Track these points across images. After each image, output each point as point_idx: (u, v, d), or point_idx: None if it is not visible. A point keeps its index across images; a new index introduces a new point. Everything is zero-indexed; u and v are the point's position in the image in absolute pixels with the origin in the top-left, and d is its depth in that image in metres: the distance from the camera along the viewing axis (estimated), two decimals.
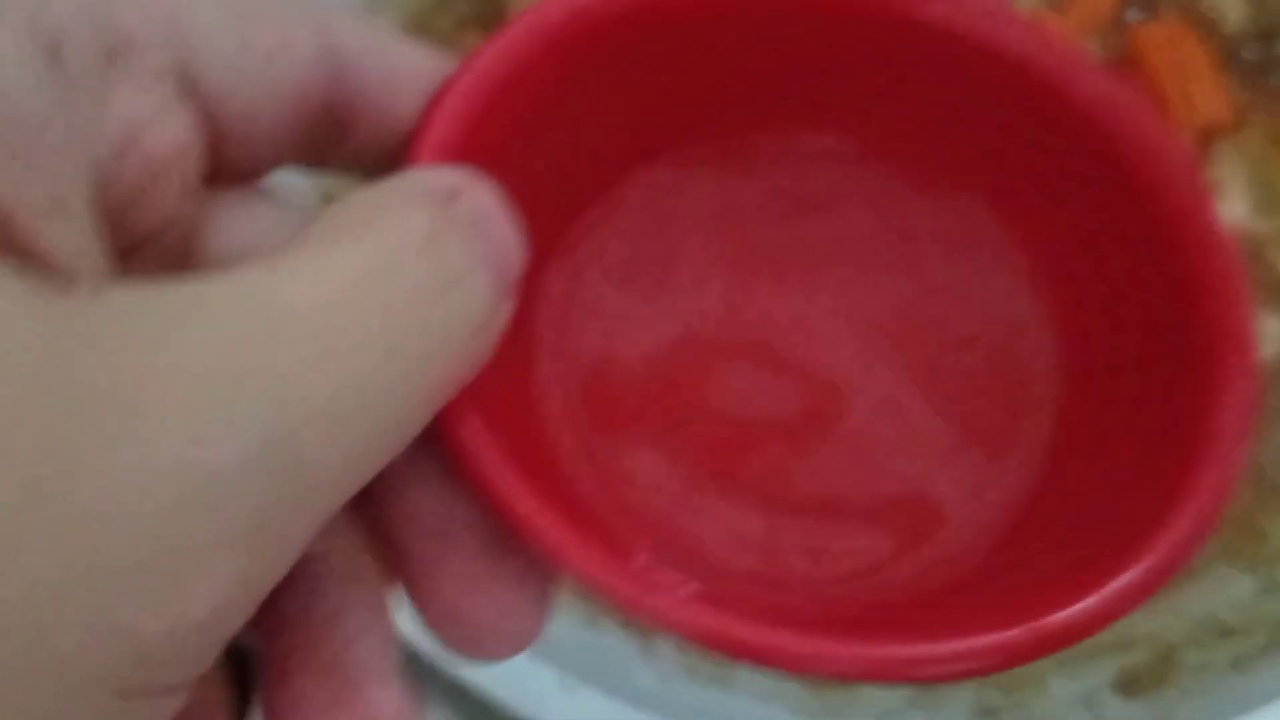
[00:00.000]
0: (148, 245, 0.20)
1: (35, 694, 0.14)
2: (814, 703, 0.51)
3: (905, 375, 0.25)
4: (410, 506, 0.21)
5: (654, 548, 0.23)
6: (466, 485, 0.20)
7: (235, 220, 0.21)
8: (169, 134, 0.19)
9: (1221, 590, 0.54)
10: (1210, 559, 0.55)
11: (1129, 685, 0.50)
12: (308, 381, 0.16)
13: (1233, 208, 0.62)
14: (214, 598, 0.15)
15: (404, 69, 0.22)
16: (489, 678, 0.45)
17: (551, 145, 0.23)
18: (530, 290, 0.22)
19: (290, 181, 0.23)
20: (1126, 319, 0.24)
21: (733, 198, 0.25)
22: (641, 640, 0.53)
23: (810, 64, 0.24)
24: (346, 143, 0.22)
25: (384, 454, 0.18)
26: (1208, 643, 0.51)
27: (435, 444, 0.20)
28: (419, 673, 0.54)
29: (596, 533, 0.21)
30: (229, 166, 0.21)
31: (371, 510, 0.21)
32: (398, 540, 0.21)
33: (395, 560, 0.21)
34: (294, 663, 0.20)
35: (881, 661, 0.20)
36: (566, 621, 0.52)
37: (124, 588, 0.15)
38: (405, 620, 0.21)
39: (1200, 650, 0.51)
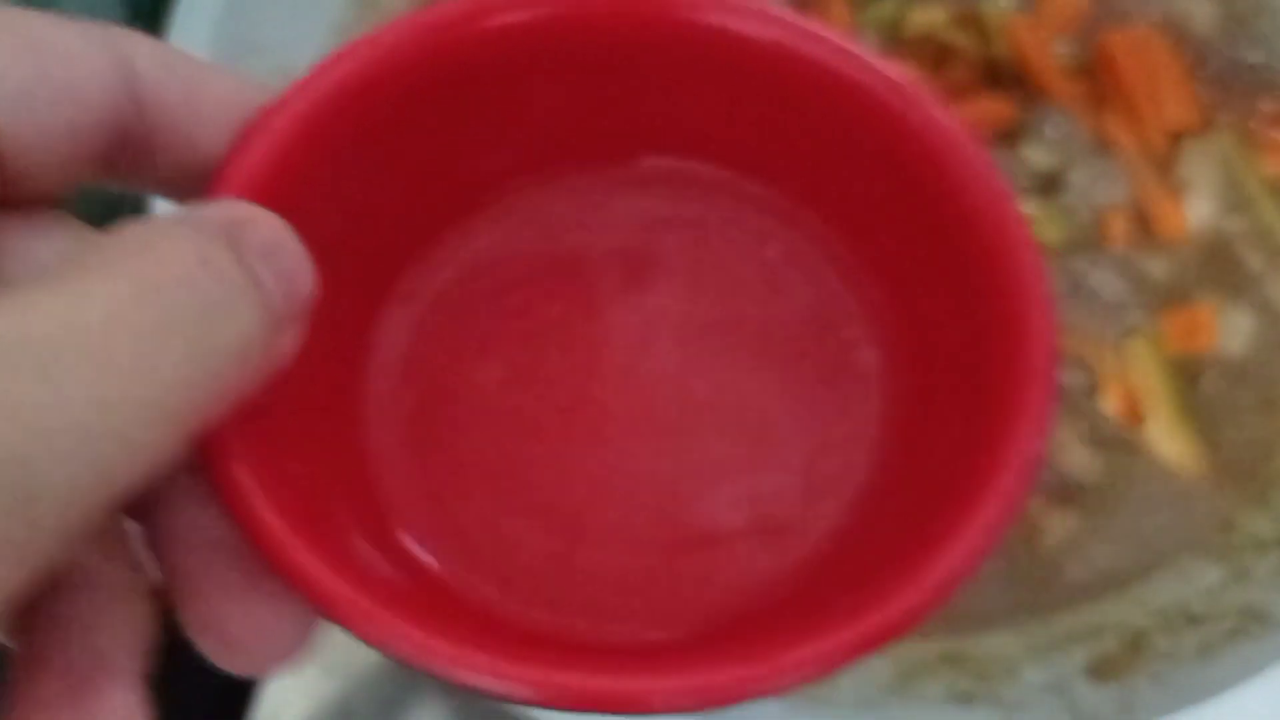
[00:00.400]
0: None
1: None
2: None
3: (737, 385, 0.25)
4: (178, 521, 0.22)
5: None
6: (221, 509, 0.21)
7: (23, 243, 0.22)
8: None
9: (1190, 579, 0.55)
10: (1179, 549, 0.56)
11: (1099, 672, 0.51)
12: (36, 406, 0.17)
13: (1201, 207, 0.63)
14: None
15: (209, 99, 0.22)
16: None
17: (377, 185, 0.24)
18: (362, 334, 0.23)
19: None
20: (943, 316, 0.25)
21: (564, 234, 0.25)
22: None
23: (631, 93, 0.24)
24: (149, 169, 0.23)
25: (132, 474, 0.18)
26: (1176, 630, 0.52)
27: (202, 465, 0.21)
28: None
29: (355, 576, 0.21)
30: (19, 191, 0.21)
31: (146, 521, 0.22)
32: (166, 552, 0.22)
33: (165, 571, 0.22)
34: (39, 663, 0.21)
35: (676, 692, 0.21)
36: None
37: None
38: None
39: (1169, 637, 0.52)
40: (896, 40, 0.66)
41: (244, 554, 0.21)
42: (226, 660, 0.22)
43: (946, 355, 0.24)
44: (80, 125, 0.21)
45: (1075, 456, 0.56)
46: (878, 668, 0.53)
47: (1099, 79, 0.65)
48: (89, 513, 0.18)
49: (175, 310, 0.18)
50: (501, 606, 0.23)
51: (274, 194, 0.21)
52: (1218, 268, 0.62)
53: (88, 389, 0.17)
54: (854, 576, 0.23)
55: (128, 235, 0.19)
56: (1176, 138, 0.64)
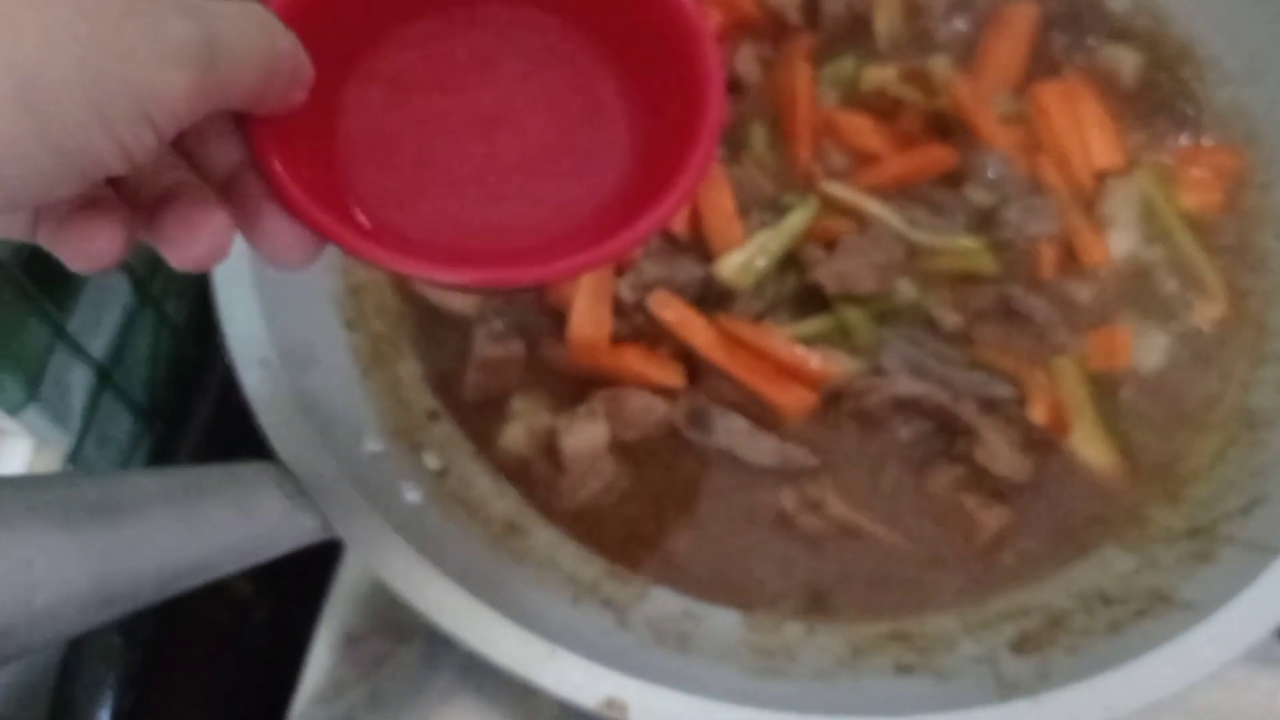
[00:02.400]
0: None
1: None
2: (758, 663, 0.59)
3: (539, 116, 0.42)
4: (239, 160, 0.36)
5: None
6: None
7: None
8: None
9: (1107, 567, 0.62)
10: (1099, 540, 0.63)
11: (1023, 645, 0.58)
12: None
13: (1123, 239, 0.70)
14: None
15: None
16: (494, 648, 0.53)
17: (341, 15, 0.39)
18: (337, 91, 0.40)
19: None
20: (656, 69, 0.40)
21: (457, 35, 0.42)
22: (617, 616, 0.61)
23: None
24: None
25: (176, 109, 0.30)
26: (1092, 610, 0.59)
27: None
28: (435, 642, 0.62)
29: (338, 214, 0.37)
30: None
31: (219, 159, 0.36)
32: (232, 178, 0.36)
33: (229, 194, 0.36)
34: (167, 200, 0.34)
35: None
36: (556, 601, 0.60)
37: None
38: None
39: (1085, 616, 0.59)
40: (853, 94, 0.73)
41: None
42: (275, 259, 0.36)
43: (661, 90, 0.40)
44: None
45: (1007, 459, 0.63)
46: (833, 644, 0.60)
47: (1033, 126, 0.72)
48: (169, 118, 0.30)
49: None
50: (430, 237, 0.40)
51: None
52: (1137, 293, 0.69)
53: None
54: (627, 209, 0.39)
55: None
56: (1102, 176, 0.71)
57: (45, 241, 0.34)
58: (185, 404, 0.84)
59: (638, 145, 0.41)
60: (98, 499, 0.49)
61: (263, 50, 0.33)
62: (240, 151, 0.36)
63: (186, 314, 0.80)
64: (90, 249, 0.33)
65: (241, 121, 0.36)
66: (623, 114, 0.42)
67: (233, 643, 0.78)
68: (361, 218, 0.39)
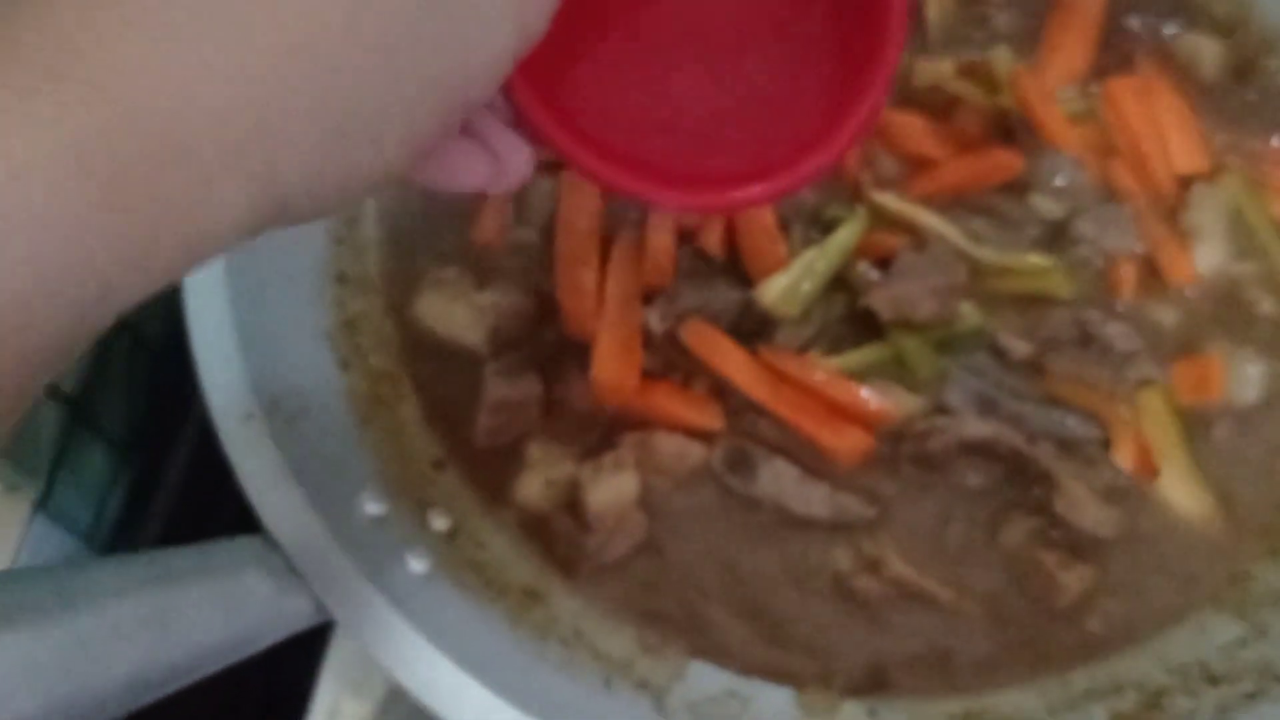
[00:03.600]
0: None
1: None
2: None
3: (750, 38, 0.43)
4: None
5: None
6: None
7: None
8: None
9: (1208, 635, 0.54)
10: (1196, 604, 0.55)
11: None
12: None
13: (1211, 253, 0.62)
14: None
15: None
16: None
17: None
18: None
19: None
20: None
21: None
22: (654, 699, 0.53)
23: None
24: None
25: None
26: (1195, 689, 0.52)
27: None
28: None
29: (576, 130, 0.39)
30: None
31: None
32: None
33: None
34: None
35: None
36: (585, 687, 0.53)
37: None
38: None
39: (1187, 697, 0.51)
40: (905, 92, 0.65)
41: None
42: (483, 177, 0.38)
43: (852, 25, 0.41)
44: None
45: (1090, 511, 0.55)
46: None
47: (1105, 126, 0.64)
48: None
49: None
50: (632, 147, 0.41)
51: None
52: (1228, 315, 0.61)
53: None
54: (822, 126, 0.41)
55: None
56: (1185, 183, 0.63)
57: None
58: (166, 435, 0.77)
59: (827, 73, 0.42)
60: (49, 599, 0.41)
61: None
62: None
63: (164, 335, 0.72)
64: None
65: None
66: (818, 45, 0.42)
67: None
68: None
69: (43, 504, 0.64)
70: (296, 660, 0.63)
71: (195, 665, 0.44)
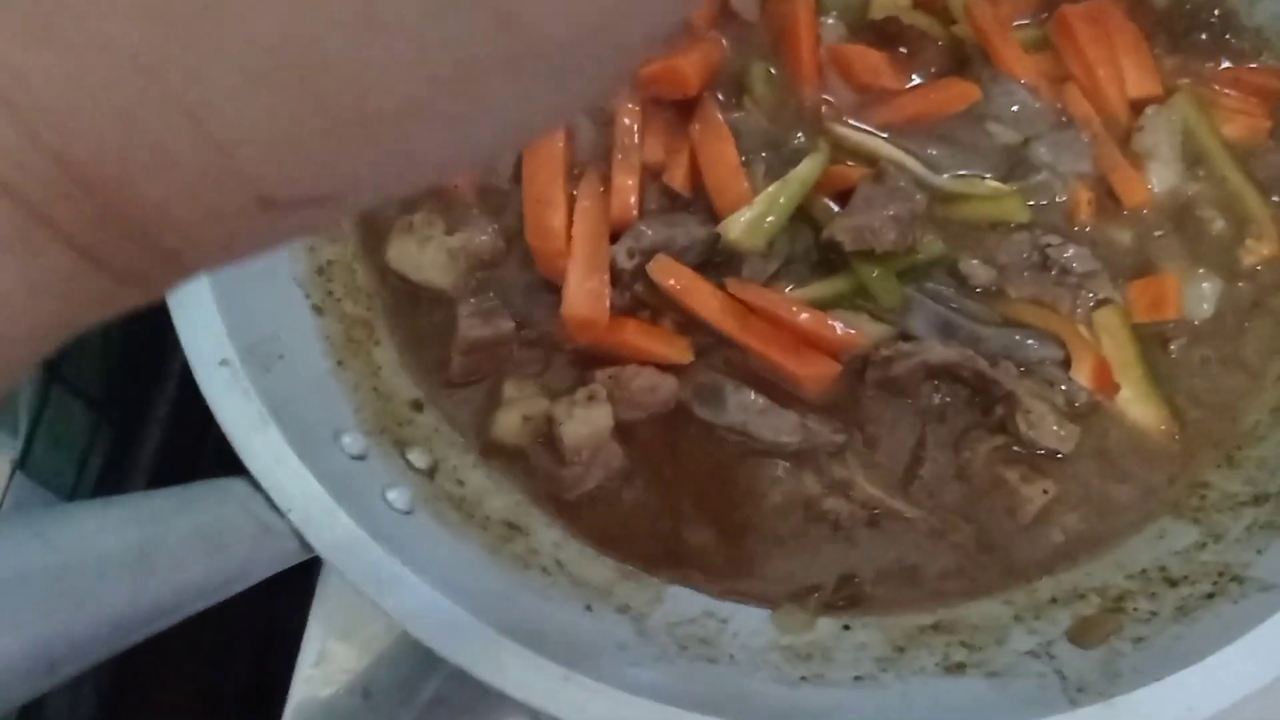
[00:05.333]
0: None
1: None
2: (792, 669, 0.52)
3: None
4: None
5: None
6: None
7: None
8: None
9: (1167, 541, 0.55)
10: (1156, 512, 0.56)
11: (1083, 635, 0.51)
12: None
13: (1166, 174, 0.62)
14: None
15: None
16: (502, 676, 0.46)
17: None
18: None
19: None
20: None
21: None
22: (635, 623, 0.54)
23: None
24: None
25: None
26: (1156, 592, 0.52)
27: None
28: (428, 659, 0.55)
29: None
30: None
31: None
32: None
33: None
34: None
35: None
36: (567, 613, 0.53)
37: None
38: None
39: (1148, 600, 0.52)
40: (862, 24, 0.64)
41: None
42: None
43: None
44: None
45: (1051, 428, 0.56)
46: (872, 641, 0.54)
47: (1059, 53, 0.64)
48: None
49: None
50: None
51: None
52: (1183, 234, 0.61)
53: None
54: None
55: None
56: (1138, 106, 0.63)
57: None
58: (144, 391, 0.76)
59: None
60: (30, 541, 0.41)
61: None
62: None
63: None
64: None
65: None
66: None
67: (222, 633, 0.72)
68: None
69: (22, 464, 0.63)
70: (288, 603, 0.64)
71: (180, 604, 0.44)
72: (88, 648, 0.41)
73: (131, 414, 0.75)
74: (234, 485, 0.48)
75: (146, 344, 0.73)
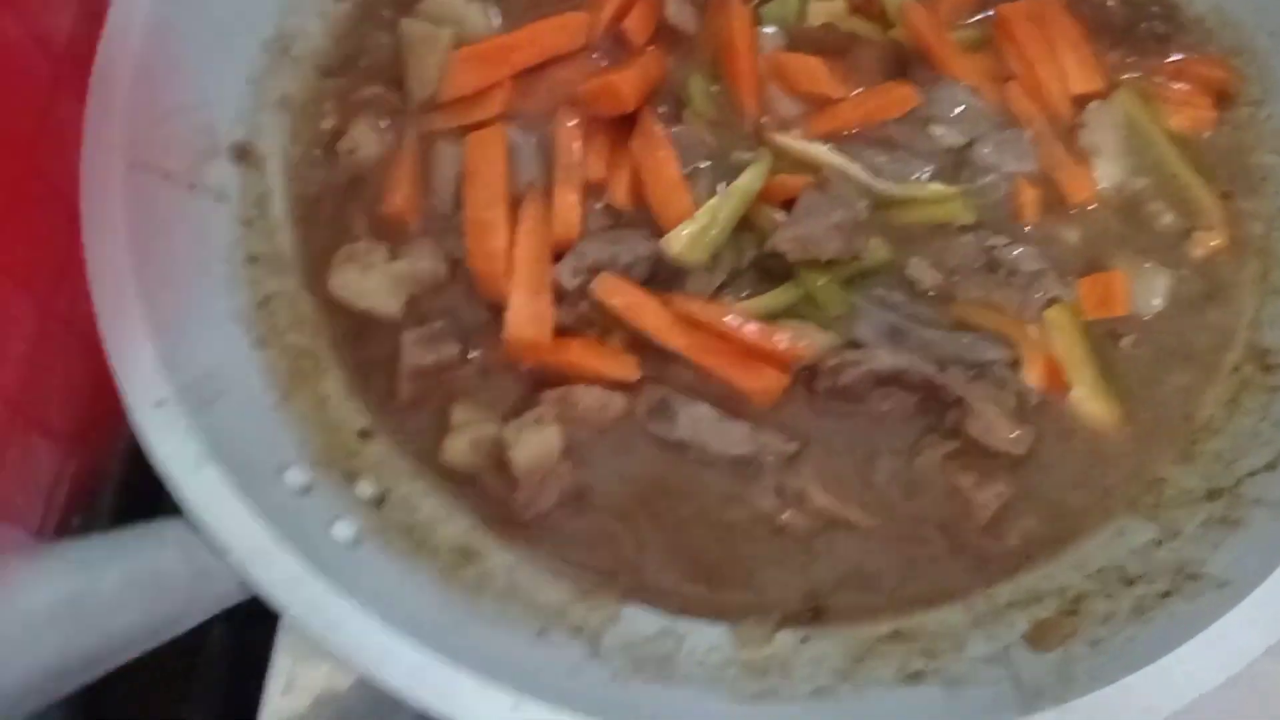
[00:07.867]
0: None
1: None
2: (749, 685, 0.50)
3: None
4: None
5: None
6: None
7: None
8: None
9: (1123, 540, 0.53)
10: (1112, 510, 0.55)
11: (1039, 638, 0.50)
12: None
13: (1112, 170, 0.61)
14: None
15: None
16: (450, 703, 0.44)
17: None
18: None
19: None
20: None
21: None
22: (589, 645, 0.52)
23: None
24: None
25: None
26: (1113, 592, 0.51)
27: None
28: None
29: None
30: None
31: None
32: None
33: None
34: None
35: None
36: (519, 638, 0.52)
37: None
38: None
39: (1106, 600, 0.51)
40: (799, 33, 0.63)
41: None
42: None
43: None
44: None
45: (1002, 431, 0.54)
46: (830, 653, 0.52)
47: (999, 52, 0.63)
48: None
49: None
50: None
51: None
52: (1130, 229, 0.60)
53: None
54: None
55: None
56: (1081, 102, 0.62)
57: None
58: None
59: None
60: None
61: None
62: None
63: None
64: None
65: None
66: None
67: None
68: None
69: None
70: (257, 631, 0.62)
71: (115, 652, 0.43)
72: (19, 699, 0.40)
73: (98, 450, 0.74)
74: (171, 527, 0.47)
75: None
